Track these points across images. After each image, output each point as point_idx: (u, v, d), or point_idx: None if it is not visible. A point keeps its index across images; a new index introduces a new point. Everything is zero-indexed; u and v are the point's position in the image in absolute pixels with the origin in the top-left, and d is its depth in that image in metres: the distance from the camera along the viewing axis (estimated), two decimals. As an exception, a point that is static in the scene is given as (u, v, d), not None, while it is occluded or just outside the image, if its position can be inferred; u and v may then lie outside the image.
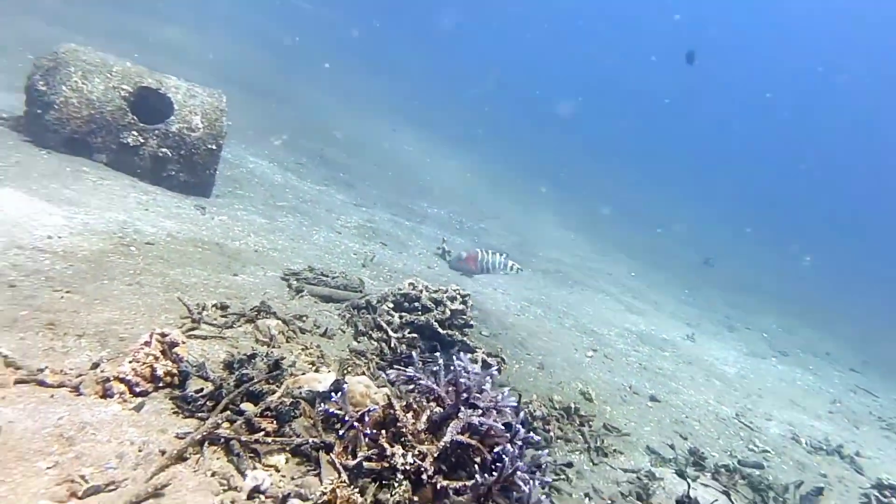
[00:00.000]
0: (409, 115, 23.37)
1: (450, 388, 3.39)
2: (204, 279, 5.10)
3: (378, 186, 13.23)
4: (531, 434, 3.24)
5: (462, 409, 3.22)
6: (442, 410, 3.29)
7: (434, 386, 3.41)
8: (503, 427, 3.15)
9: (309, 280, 5.91)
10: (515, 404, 3.29)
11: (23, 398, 2.88)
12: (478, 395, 3.27)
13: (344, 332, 5.12)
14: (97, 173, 6.79)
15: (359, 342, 5.02)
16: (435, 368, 3.56)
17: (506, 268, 7.15)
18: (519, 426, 3.14)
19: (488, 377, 3.32)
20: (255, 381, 3.26)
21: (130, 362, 3.24)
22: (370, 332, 5.16)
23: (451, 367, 3.45)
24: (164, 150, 7.44)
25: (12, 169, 5.82)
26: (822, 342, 15.96)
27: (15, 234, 4.62)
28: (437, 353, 4.82)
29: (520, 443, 3.14)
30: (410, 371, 3.50)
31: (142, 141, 7.33)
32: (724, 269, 21.44)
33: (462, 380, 3.24)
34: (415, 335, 4.98)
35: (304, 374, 3.85)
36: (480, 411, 3.23)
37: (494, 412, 3.25)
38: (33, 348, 3.33)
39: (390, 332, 4.85)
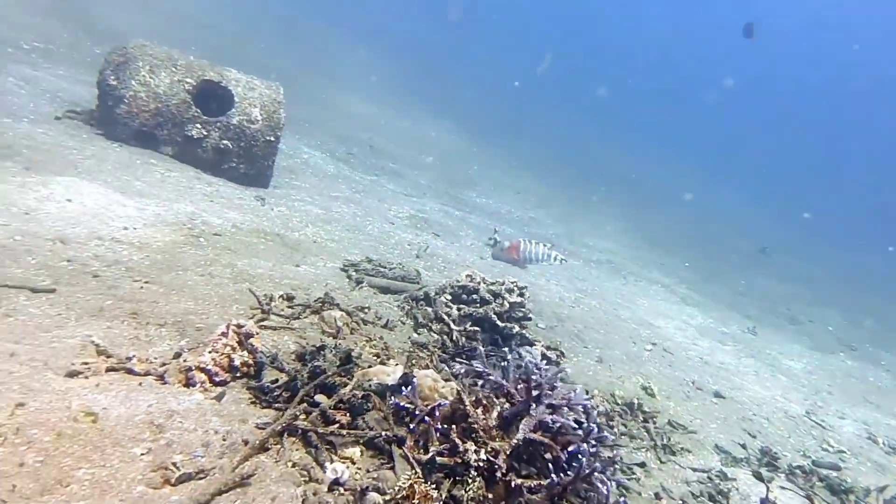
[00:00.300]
0: (453, 105, 23.25)
1: (520, 385, 3.36)
2: (269, 270, 5.22)
3: (426, 176, 13.24)
4: (605, 433, 3.18)
5: (533, 405, 3.18)
6: (512, 407, 3.27)
7: (503, 382, 3.39)
8: (576, 425, 3.10)
9: (368, 271, 5.97)
10: (587, 402, 3.23)
11: (114, 385, 3.01)
12: (549, 392, 3.23)
13: (404, 323, 5.16)
14: (164, 165, 7.03)
15: (419, 334, 5.04)
16: (503, 364, 3.53)
17: (549, 258, 6.95)
18: (593, 425, 3.09)
19: (559, 374, 3.27)
20: (329, 374, 3.31)
21: (210, 352, 3.34)
22: (430, 323, 5.17)
23: (520, 363, 3.41)
24: (225, 142, 7.63)
25: (88, 161, 6.09)
26: (893, 337, 15.11)
27: (94, 226, 4.83)
28: (505, 349, 4.80)
29: (594, 441, 3.08)
30: (479, 366, 3.49)
31: (205, 133, 7.54)
32: (780, 259, 20.56)
33: (534, 377, 3.20)
34: (476, 328, 4.96)
35: (370, 366, 3.90)
36: (552, 408, 3.19)
37: (566, 409, 3.20)
38: (120, 337, 3.48)
39: (452, 325, 4.86)
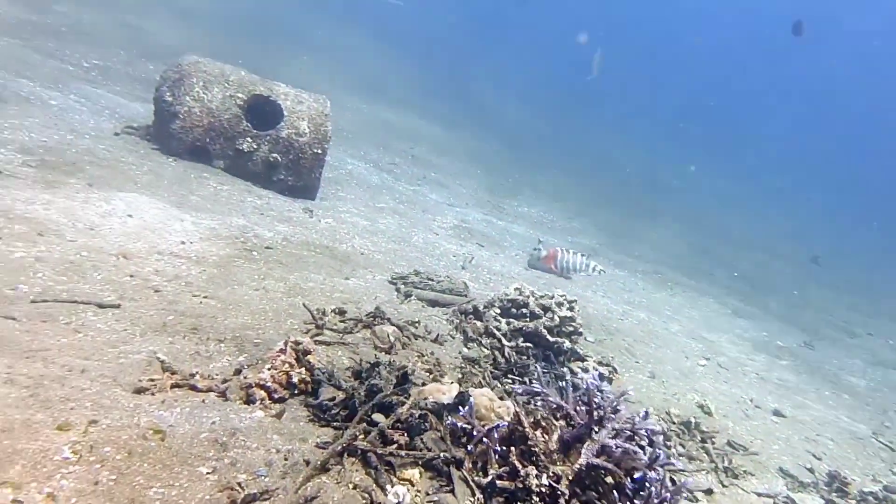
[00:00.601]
0: (487, 111, 23.21)
1: (580, 406, 3.27)
2: (320, 283, 5.27)
3: (468, 185, 13.21)
4: (673, 460, 3.06)
5: (596, 429, 3.09)
6: (572, 429, 3.18)
7: (563, 403, 3.30)
8: (641, 451, 2.99)
9: (416, 284, 5.96)
10: (654, 427, 3.11)
11: (179, 402, 3.07)
12: (612, 415, 3.13)
13: (453, 337, 5.12)
14: (217, 179, 7.20)
15: (469, 348, 4.99)
16: (560, 384, 3.45)
17: (587, 268, 6.74)
18: (660, 451, 2.97)
19: (623, 397, 3.17)
20: (388, 394, 3.30)
21: (269, 369, 3.37)
22: (479, 338, 5.12)
23: (578, 382, 3.32)
24: (274, 155, 7.78)
25: (146, 177, 6.29)
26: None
27: (154, 241, 4.97)
28: (562, 369, 4.70)
29: (660, 469, 2.97)
30: (538, 386, 3.41)
31: (255, 147, 7.70)
32: (833, 268, 19.68)
33: (596, 399, 3.11)
34: (528, 344, 4.88)
35: (424, 383, 3.87)
36: (615, 432, 3.09)
37: (630, 434, 3.10)
38: (182, 352, 3.55)
39: (503, 341, 4.79)
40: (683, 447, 4.75)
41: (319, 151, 8.03)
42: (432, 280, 6.12)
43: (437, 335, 4.93)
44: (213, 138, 7.51)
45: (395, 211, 9.03)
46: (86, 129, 6.88)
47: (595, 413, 3.12)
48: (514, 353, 4.70)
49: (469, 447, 3.21)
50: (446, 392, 3.61)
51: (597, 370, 5.27)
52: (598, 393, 3.17)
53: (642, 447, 3.18)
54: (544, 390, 3.39)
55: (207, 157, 7.56)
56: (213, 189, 6.82)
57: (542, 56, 35.50)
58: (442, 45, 29.17)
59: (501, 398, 4.01)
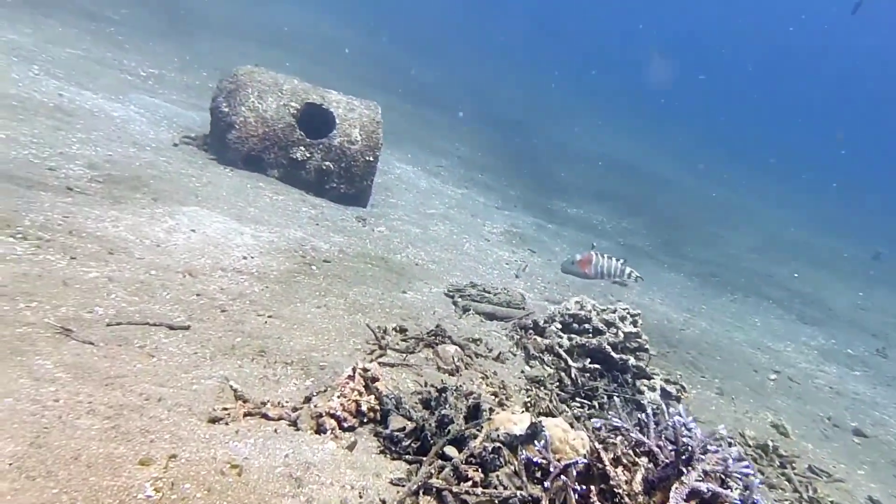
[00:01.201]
0: (543, 103, 22.83)
1: (664, 443, 3.09)
2: (379, 298, 5.22)
3: (515, 186, 13.00)
4: (769, 507, 2.85)
5: (684, 470, 2.91)
6: (657, 468, 3.01)
7: (646, 440, 3.13)
8: (737, 497, 2.79)
9: (472, 297, 5.85)
10: (748, 470, 2.91)
11: (252, 432, 3.05)
12: (702, 455, 2.94)
13: (514, 354, 4.99)
14: (272, 188, 7.26)
15: (531, 366, 4.85)
16: (641, 416, 3.28)
17: (623, 274, 6.41)
18: (757, 498, 2.77)
19: (714, 436, 2.97)
20: (462, 429, 3.20)
21: (338, 397, 3.32)
22: (541, 354, 4.97)
23: (663, 420, 3.14)
24: (327, 163, 7.79)
25: (206, 189, 6.37)
26: None
27: (216, 256, 5.01)
28: (639, 396, 4.50)
29: (757, 517, 2.77)
30: (617, 421, 3.25)
31: (308, 155, 7.72)
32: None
33: (684, 438, 2.93)
34: (596, 366, 4.70)
35: (491, 409, 3.76)
36: (705, 474, 2.90)
37: (722, 477, 2.90)
38: (250, 377, 3.54)
39: (570, 362, 4.63)
40: (762, 473, 4.50)
41: (371, 159, 8.00)
42: (489, 292, 5.99)
43: (499, 353, 4.81)
44: (267, 148, 7.57)
45: (445, 217, 8.93)
46: (147, 141, 7.03)
47: (683, 453, 2.94)
48: (582, 375, 4.53)
49: (545, 484, 3.08)
50: (517, 422, 3.48)
51: (656, 384, 5.06)
52: (687, 431, 2.99)
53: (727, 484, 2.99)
54: (625, 425, 3.23)
55: (262, 167, 7.63)
56: (268, 199, 6.86)
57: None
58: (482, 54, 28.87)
59: (571, 424, 3.87)
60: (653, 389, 4.84)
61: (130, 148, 6.55)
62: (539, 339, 5.18)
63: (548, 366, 4.83)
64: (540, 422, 3.50)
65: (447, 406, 3.48)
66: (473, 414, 3.42)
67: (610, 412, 3.37)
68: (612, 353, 4.96)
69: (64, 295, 3.65)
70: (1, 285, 3.49)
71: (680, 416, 3.05)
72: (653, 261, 10.66)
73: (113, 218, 4.86)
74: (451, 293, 5.89)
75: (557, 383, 4.47)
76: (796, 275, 13.93)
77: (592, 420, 3.82)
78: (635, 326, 5.34)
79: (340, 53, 18.42)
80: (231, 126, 7.40)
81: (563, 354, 4.71)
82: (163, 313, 3.92)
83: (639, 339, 5.11)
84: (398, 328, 4.69)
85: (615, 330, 5.15)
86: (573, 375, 4.52)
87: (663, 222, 13.88)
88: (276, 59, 14.95)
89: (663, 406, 4.01)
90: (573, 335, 5.19)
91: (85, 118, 6.80)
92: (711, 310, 8.64)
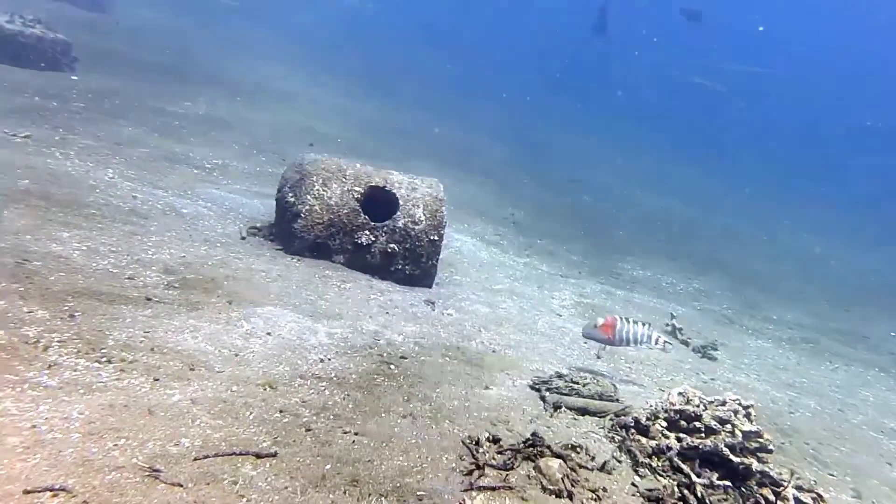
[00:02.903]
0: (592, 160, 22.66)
1: None
2: (463, 400, 4.86)
3: (575, 249, 12.62)
4: None
5: None
6: None
7: None
8: None
9: (560, 389, 5.42)
10: None
11: None
12: None
13: (619, 461, 4.49)
14: (339, 276, 7.14)
15: (641, 476, 4.34)
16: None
17: (649, 341, 5.84)
18: None
19: None
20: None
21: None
22: (650, 460, 4.46)
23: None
24: (392, 245, 7.66)
25: (276, 284, 6.27)
26: None
27: (294, 361, 4.81)
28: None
29: None
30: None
31: (373, 239, 7.62)
32: None
33: None
34: (726, 482, 4.16)
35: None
36: None
37: None
38: (347, 516, 3.21)
39: (693, 478, 4.10)
40: None
41: (436, 238, 7.83)
42: (577, 383, 5.55)
43: (604, 462, 4.33)
44: (332, 234, 7.52)
45: (512, 291, 8.60)
46: (216, 237, 7.08)
47: None
48: (709, 493, 4.00)
49: None
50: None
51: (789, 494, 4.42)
52: None
53: None
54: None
55: (328, 254, 7.55)
56: (337, 289, 6.72)
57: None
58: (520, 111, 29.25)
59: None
60: (785, 500, 4.24)
61: (202, 247, 6.57)
62: (644, 440, 4.68)
63: (660, 475, 4.31)
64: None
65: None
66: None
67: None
68: (732, 457, 4.40)
69: (150, 427, 3.46)
70: (90, 422, 3.34)
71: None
72: (736, 327, 9.95)
73: (192, 328, 4.75)
74: (536, 386, 5.49)
75: (680, 501, 3.94)
76: (893, 333, 12.78)
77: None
78: (751, 421, 4.78)
79: (372, 124, 18.88)
80: (297, 215, 7.40)
81: (685, 468, 4.19)
82: (248, 438, 3.67)
83: (760, 439, 4.54)
84: (491, 437, 4.30)
85: (730, 427, 4.61)
86: (699, 494, 3.99)
87: (737, 280, 13.11)
88: (329, 137, 15.41)
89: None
90: (682, 434, 4.67)
91: (158, 219, 6.92)
92: (814, 384, 7.85)
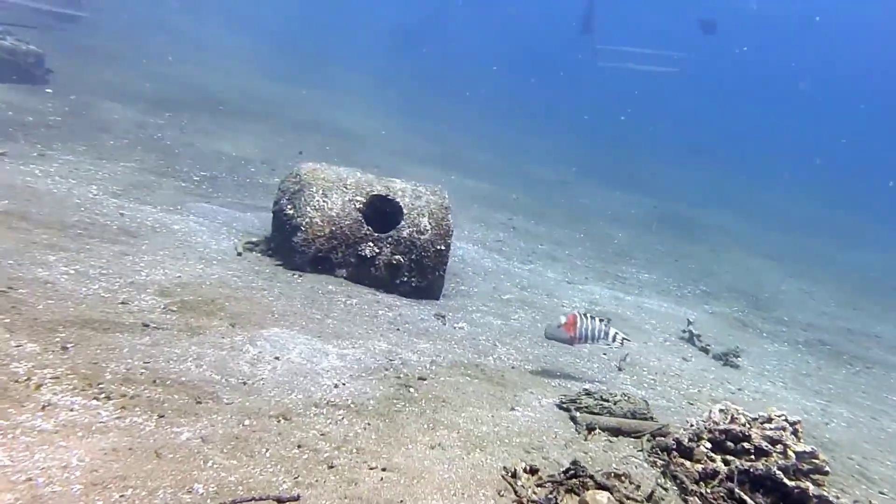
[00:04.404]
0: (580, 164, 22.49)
1: None
2: (492, 425, 4.49)
3: (577, 254, 12.33)
4: None
5: None
6: None
7: None
8: None
9: (591, 408, 5.07)
10: None
11: None
12: None
13: (665, 489, 4.15)
14: (343, 290, 6.75)
15: None
16: None
17: (607, 337, 5.63)
18: None
19: None
20: None
21: None
22: (699, 487, 4.13)
23: None
24: (397, 257, 7.28)
25: (279, 302, 5.87)
26: None
27: (307, 388, 4.41)
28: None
29: None
30: None
31: (377, 251, 7.24)
32: None
33: None
34: (791, 510, 3.84)
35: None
36: None
37: None
38: (385, 572, 2.82)
39: (755, 506, 3.77)
40: None
41: (443, 247, 7.47)
42: (607, 400, 5.21)
43: (651, 491, 3.99)
44: (335, 247, 7.12)
45: (521, 301, 8.26)
46: (212, 254, 6.65)
47: None
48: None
49: None
50: None
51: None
52: None
53: None
54: None
55: (330, 268, 7.15)
56: (342, 305, 6.33)
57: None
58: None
59: None
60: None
61: (198, 265, 6.14)
62: (688, 463, 4.34)
63: (711, 503, 3.97)
64: None
65: None
66: None
67: None
68: (787, 481, 4.08)
69: (159, 472, 3.05)
70: (92, 470, 2.92)
71: None
72: (750, 330, 9.70)
73: (195, 356, 4.33)
74: (565, 405, 5.14)
75: (740, 533, 3.61)
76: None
77: None
78: (798, 438, 4.48)
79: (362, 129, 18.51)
80: (297, 228, 7.00)
81: (747, 498, 3.85)
82: (266, 480, 3.27)
83: (816, 460, 4.24)
84: (528, 468, 3.94)
85: (781, 447, 4.30)
86: (763, 525, 3.66)
87: (742, 281, 12.90)
88: (316, 143, 14.99)
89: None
90: (728, 456, 4.35)
91: (148, 237, 6.48)
92: (840, 390, 7.59)
